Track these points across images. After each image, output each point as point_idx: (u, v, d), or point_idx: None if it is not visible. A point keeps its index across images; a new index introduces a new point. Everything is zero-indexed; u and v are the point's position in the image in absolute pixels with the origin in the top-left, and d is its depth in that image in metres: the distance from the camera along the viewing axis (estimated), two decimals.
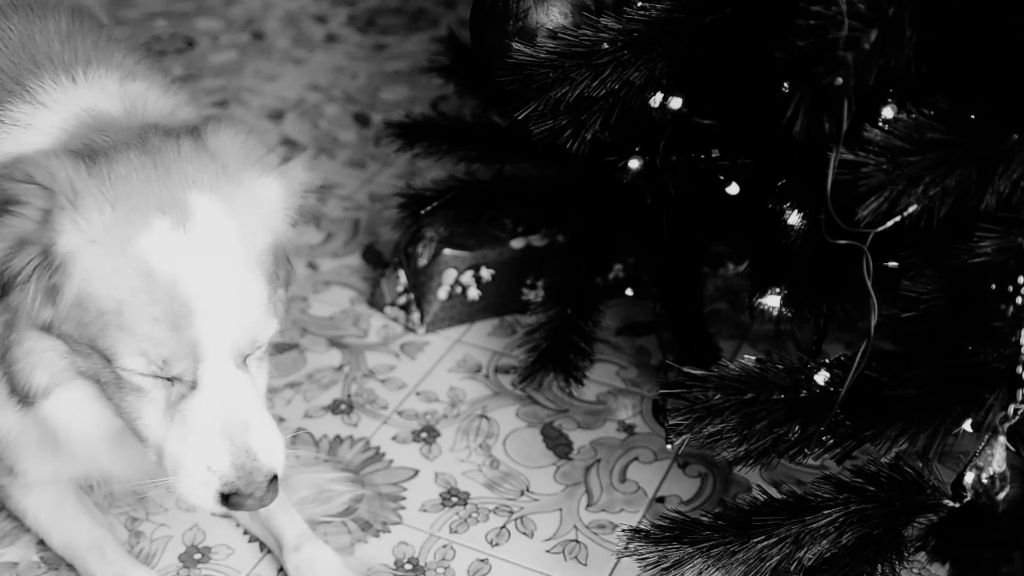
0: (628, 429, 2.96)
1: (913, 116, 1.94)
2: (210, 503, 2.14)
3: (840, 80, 1.85)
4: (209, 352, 2.05)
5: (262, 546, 2.64)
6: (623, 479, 2.82)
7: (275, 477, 2.14)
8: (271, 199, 2.18)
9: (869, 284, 2.01)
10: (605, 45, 2.25)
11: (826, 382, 2.17)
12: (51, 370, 2.18)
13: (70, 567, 2.57)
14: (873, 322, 2.04)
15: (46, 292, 2.05)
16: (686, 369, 2.20)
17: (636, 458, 2.88)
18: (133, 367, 2.05)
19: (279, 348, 3.20)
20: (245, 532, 2.68)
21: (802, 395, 2.16)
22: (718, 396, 2.16)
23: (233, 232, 2.07)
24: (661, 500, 2.76)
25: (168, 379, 2.08)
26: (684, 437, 2.18)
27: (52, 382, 2.20)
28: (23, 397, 2.20)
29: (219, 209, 2.07)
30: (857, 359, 2.07)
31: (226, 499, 2.12)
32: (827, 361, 2.21)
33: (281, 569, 2.57)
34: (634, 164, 2.66)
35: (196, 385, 2.08)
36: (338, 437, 2.92)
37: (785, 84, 2.08)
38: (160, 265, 1.99)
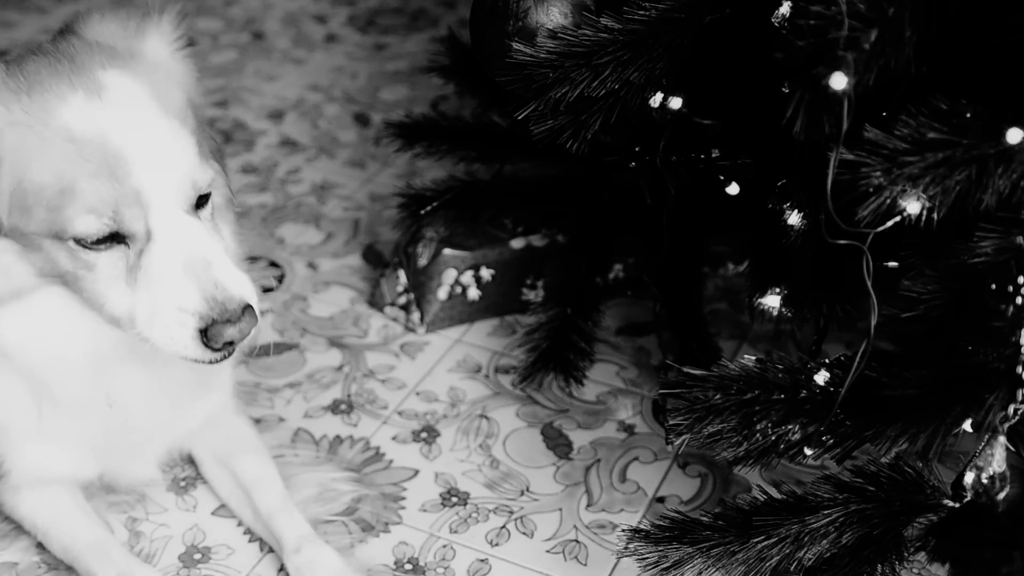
0: (628, 429, 2.96)
1: (913, 116, 1.93)
2: (191, 344, 2.14)
3: (840, 80, 1.84)
4: (154, 198, 2.09)
5: (262, 546, 2.64)
6: (623, 479, 2.82)
7: (249, 306, 2.15)
8: (163, 57, 2.27)
9: (869, 284, 2.01)
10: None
11: (826, 382, 2.17)
12: (7, 274, 2.20)
13: (70, 568, 2.56)
14: (873, 322, 2.03)
15: None
16: (686, 369, 2.20)
17: (636, 458, 2.88)
18: (85, 229, 2.07)
19: (279, 348, 3.20)
20: (245, 532, 2.68)
21: (802, 395, 2.16)
22: (718, 396, 2.15)
23: (144, 92, 2.15)
24: (661, 500, 2.76)
25: (123, 241, 2.11)
26: (684, 437, 2.18)
27: (10, 288, 2.22)
28: None
29: (125, 77, 2.15)
30: (857, 359, 2.07)
31: (205, 334, 2.13)
32: (827, 361, 2.21)
33: (282, 568, 2.57)
34: (634, 165, 2.65)
35: (150, 235, 2.11)
36: (338, 437, 2.92)
37: (785, 84, 2.07)
38: (84, 128, 2.07)
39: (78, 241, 2.10)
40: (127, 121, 2.11)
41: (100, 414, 2.43)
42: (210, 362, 2.19)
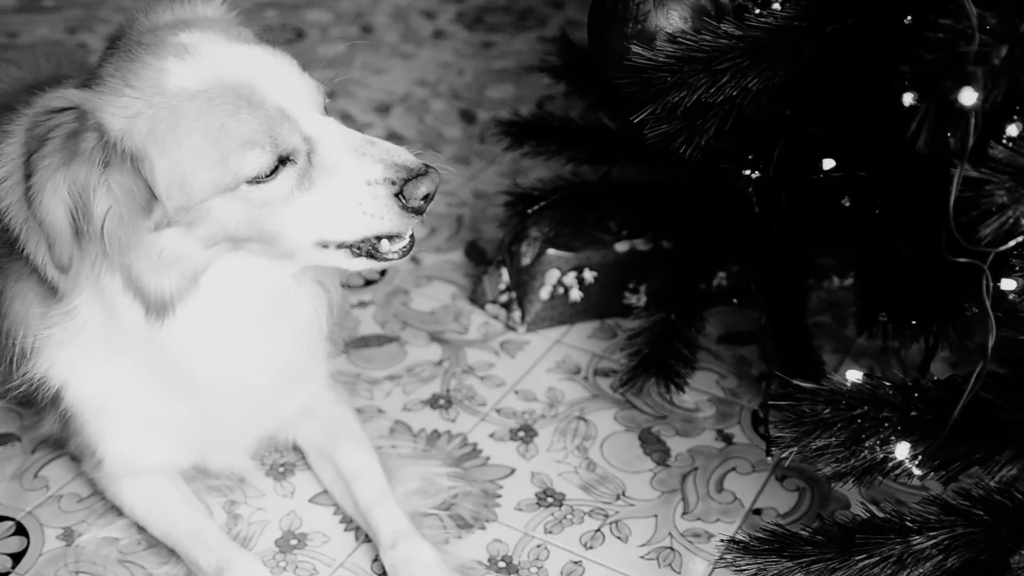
0: (727, 439, 2.94)
1: None
2: (390, 213, 2.19)
3: (969, 95, 1.81)
4: (294, 109, 2.15)
5: (358, 535, 2.66)
6: (720, 489, 2.80)
7: (426, 163, 2.21)
8: (219, 17, 2.35)
9: (988, 304, 1.97)
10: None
11: (937, 401, 2.14)
12: (177, 259, 2.21)
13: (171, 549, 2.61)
14: (991, 343, 2.00)
15: (137, 189, 2.11)
16: (796, 382, 2.18)
17: (734, 468, 2.85)
18: (257, 166, 2.11)
19: (379, 340, 3.22)
20: (342, 520, 2.70)
21: (912, 414, 2.13)
22: (827, 410, 2.13)
23: (221, 37, 2.21)
24: (758, 512, 2.74)
25: (286, 162, 2.14)
26: (791, 450, 2.16)
27: (182, 274, 2.24)
28: (159, 307, 2.23)
29: (196, 33, 2.21)
30: (972, 380, 2.03)
31: (401, 196, 2.17)
32: (939, 380, 2.18)
33: (376, 559, 2.58)
34: (748, 173, 2.63)
35: (309, 140, 2.15)
36: (436, 431, 2.93)
37: (907, 97, 2.04)
38: (197, 81, 2.12)
39: (251, 181, 2.13)
40: (230, 58, 2.16)
41: (199, 404, 2.47)
42: (406, 247, 2.26)
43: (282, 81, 2.17)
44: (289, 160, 2.15)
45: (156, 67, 2.13)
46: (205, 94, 2.10)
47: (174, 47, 2.16)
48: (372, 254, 2.29)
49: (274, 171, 2.13)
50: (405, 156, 2.20)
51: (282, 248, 2.25)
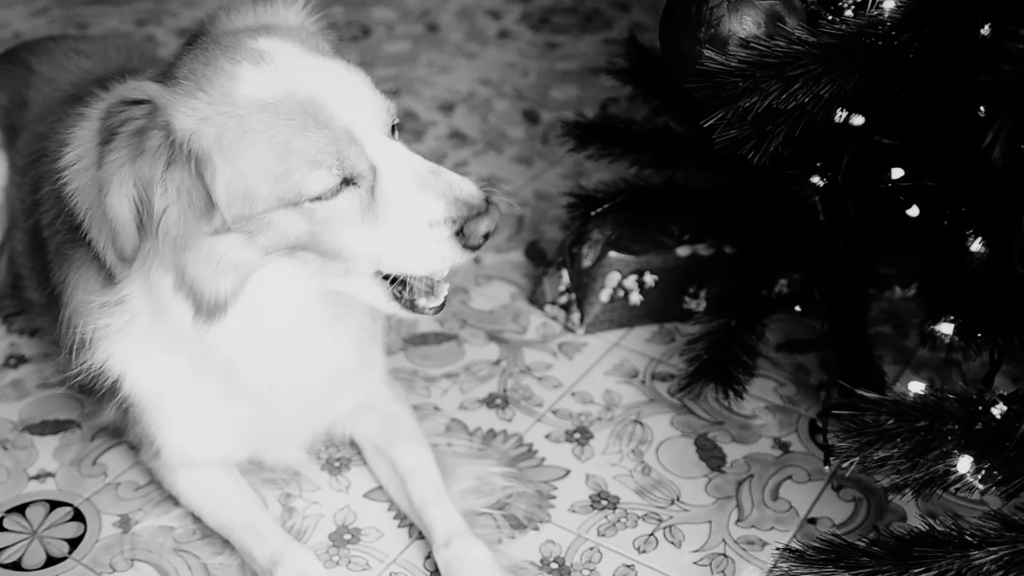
0: (783, 447, 2.92)
1: None
2: (451, 253, 2.19)
3: None
4: (362, 132, 2.15)
5: (411, 531, 2.67)
6: (775, 497, 2.78)
7: (487, 198, 2.20)
8: (299, 24, 2.36)
9: None
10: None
11: (1003, 415, 2.12)
12: (235, 266, 2.22)
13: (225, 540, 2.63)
14: None
15: (196, 191, 2.11)
16: (860, 392, 2.16)
17: (790, 477, 2.84)
18: (321, 186, 2.12)
19: (438, 338, 3.23)
20: (396, 516, 2.71)
21: (977, 427, 2.11)
22: (891, 421, 2.12)
23: (298, 47, 2.22)
24: (813, 521, 2.72)
25: (351, 183, 2.14)
26: (852, 460, 2.14)
27: (238, 278, 2.25)
28: (212, 309, 2.25)
29: (275, 40, 2.22)
30: None
31: (461, 234, 2.17)
32: (1005, 394, 2.15)
33: (429, 556, 2.59)
34: (816, 180, 2.61)
35: (374, 168, 2.15)
36: (491, 431, 2.94)
37: (982, 108, 2.02)
38: (270, 93, 2.12)
39: (313, 199, 2.13)
40: (304, 72, 2.16)
41: (251, 403, 2.48)
42: (452, 265, 2.23)
43: (352, 100, 2.16)
44: (352, 183, 2.15)
45: (230, 72, 2.14)
46: (274, 107, 2.10)
47: (250, 53, 2.17)
48: (410, 306, 2.32)
49: (337, 191, 2.14)
50: (468, 190, 2.19)
51: (344, 267, 2.25)
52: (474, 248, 2.19)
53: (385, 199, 2.16)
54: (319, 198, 2.13)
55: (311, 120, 2.10)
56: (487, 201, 2.19)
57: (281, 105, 2.10)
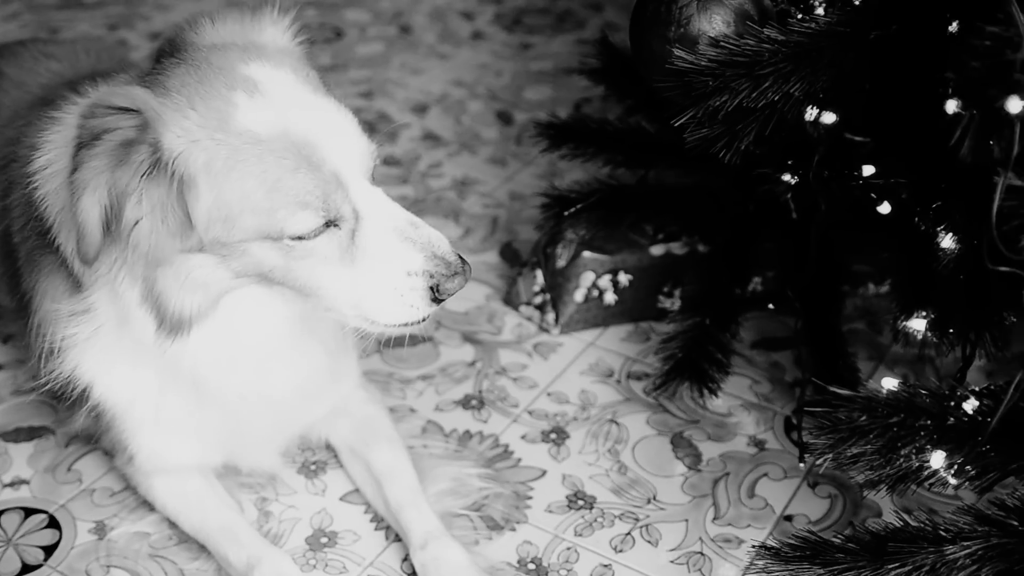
0: (759, 444, 2.93)
1: None
2: (423, 304, 2.22)
3: (1016, 104, 1.80)
4: (348, 176, 2.15)
5: (388, 534, 2.66)
6: (751, 494, 2.79)
7: (460, 256, 2.24)
8: (286, 44, 2.35)
9: None
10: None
11: (975, 411, 2.13)
12: (204, 284, 2.22)
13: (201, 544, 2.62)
14: None
15: (173, 210, 2.09)
16: (833, 388, 2.17)
17: (765, 474, 2.84)
18: (304, 227, 2.12)
19: (413, 340, 3.22)
20: (372, 519, 2.70)
21: (949, 422, 2.12)
22: (864, 417, 2.12)
23: (291, 77, 2.21)
24: (789, 518, 2.73)
25: (333, 224, 2.15)
26: (826, 456, 2.15)
27: (207, 297, 2.24)
28: (175, 325, 2.23)
29: (268, 67, 2.20)
30: (1011, 389, 2.02)
31: (435, 290, 2.21)
32: (977, 389, 2.16)
33: (406, 558, 2.59)
34: (788, 178, 2.62)
35: (356, 213, 2.16)
36: (468, 432, 2.94)
37: (950, 105, 2.03)
38: (265, 127, 2.10)
39: (296, 237, 2.13)
40: (298, 107, 2.14)
41: (229, 408, 2.48)
42: (422, 319, 2.26)
43: (342, 143, 2.16)
44: (335, 224, 2.15)
45: (225, 98, 2.12)
46: (269, 144, 2.09)
47: (244, 81, 2.15)
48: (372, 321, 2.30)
49: (320, 232, 2.14)
50: (445, 247, 2.22)
51: (319, 304, 2.26)
52: (440, 301, 2.23)
53: (365, 244, 2.17)
54: (301, 237, 2.13)
55: (304, 161, 2.09)
56: (461, 259, 2.23)
57: (276, 142, 2.09)
